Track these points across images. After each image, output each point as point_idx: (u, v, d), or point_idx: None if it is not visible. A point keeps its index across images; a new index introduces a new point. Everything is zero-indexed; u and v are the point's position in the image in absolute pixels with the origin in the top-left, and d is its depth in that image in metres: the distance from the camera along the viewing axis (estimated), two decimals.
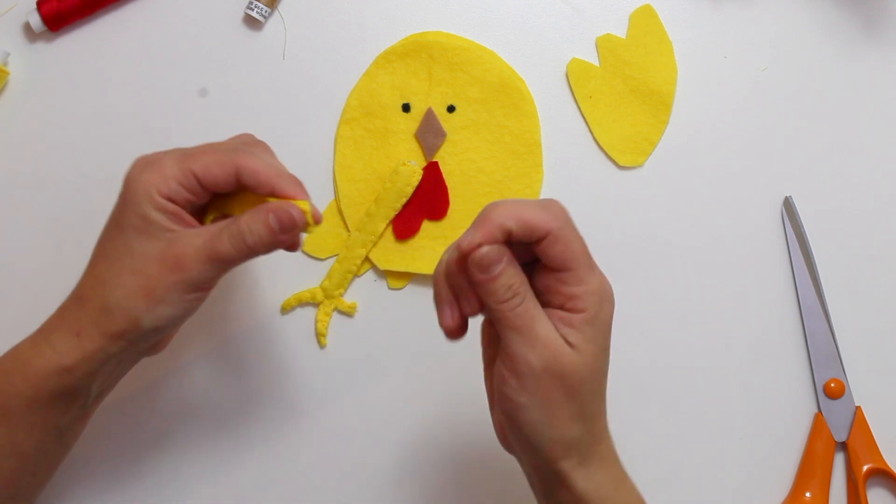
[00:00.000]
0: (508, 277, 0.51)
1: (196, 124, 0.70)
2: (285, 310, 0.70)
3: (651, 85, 0.71)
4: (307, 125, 0.70)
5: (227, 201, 0.57)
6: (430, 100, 0.70)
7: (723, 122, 0.71)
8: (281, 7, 0.71)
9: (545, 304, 0.52)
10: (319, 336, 0.69)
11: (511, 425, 0.52)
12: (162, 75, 0.70)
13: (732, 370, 0.70)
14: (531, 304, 0.51)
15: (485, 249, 0.50)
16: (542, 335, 0.51)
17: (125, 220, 0.54)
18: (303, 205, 0.55)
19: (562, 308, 0.51)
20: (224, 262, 0.55)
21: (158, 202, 0.54)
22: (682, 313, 0.70)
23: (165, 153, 0.56)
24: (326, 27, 0.71)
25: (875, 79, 0.72)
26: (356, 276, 0.70)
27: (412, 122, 0.70)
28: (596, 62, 0.71)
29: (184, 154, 0.56)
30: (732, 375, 0.70)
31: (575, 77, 0.71)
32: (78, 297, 0.56)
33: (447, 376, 0.69)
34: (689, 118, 0.71)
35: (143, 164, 0.55)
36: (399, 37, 0.70)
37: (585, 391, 0.52)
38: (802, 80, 0.72)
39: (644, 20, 0.71)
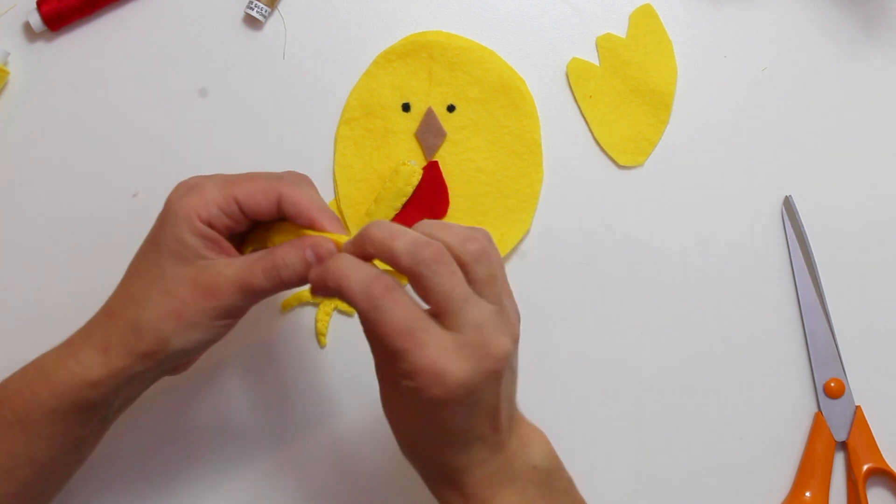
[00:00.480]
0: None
1: (196, 124, 0.70)
2: (285, 309, 0.70)
3: (651, 85, 0.71)
4: (307, 125, 0.70)
5: (266, 234, 0.57)
6: (430, 100, 0.70)
7: (723, 121, 0.71)
8: (281, 7, 0.71)
9: None
10: (319, 335, 0.69)
11: None
12: (162, 75, 0.70)
13: (732, 370, 0.70)
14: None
15: (321, 248, 0.54)
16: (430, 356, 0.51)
17: (162, 242, 0.54)
18: (339, 238, 0.54)
19: None
20: (256, 294, 0.55)
21: (197, 227, 0.54)
22: (680, 313, 0.70)
23: (208, 178, 0.56)
24: (326, 27, 0.71)
25: (875, 79, 0.72)
26: None
27: (412, 121, 0.70)
28: (596, 62, 0.71)
29: (227, 180, 0.55)
30: (733, 375, 0.70)
31: (575, 77, 0.71)
32: (108, 313, 0.56)
33: None
34: (689, 118, 0.71)
35: (186, 188, 0.55)
36: (399, 37, 0.70)
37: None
38: (802, 80, 0.72)
39: (644, 20, 0.71)
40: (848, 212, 0.71)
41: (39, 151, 0.70)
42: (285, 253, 0.54)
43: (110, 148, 0.70)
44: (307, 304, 0.70)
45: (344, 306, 0.69)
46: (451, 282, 0.50)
